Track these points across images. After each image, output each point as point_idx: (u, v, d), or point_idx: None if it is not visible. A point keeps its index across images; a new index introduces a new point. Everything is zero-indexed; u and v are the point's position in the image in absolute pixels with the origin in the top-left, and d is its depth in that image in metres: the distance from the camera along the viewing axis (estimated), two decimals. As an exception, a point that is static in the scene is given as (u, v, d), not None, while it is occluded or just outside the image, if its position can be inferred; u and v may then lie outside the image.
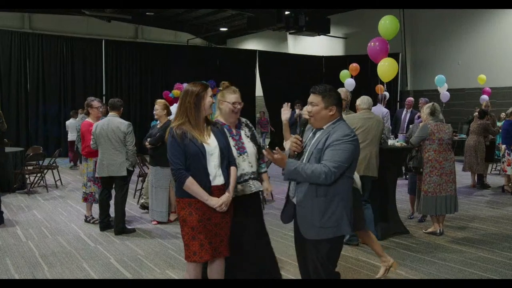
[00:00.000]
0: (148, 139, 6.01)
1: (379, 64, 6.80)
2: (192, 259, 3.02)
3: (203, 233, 2.99)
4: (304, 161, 2.82)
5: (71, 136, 11.27)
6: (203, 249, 3.00)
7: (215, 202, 2.97)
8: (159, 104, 6.03)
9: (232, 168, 3.15)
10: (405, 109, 10.08)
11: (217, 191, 3.03)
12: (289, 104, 3.73)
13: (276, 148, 2.72)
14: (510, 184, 8.48)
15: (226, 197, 3.03)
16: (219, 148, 3.04)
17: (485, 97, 11.49)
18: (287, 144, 3.11)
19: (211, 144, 3.03)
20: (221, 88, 3.44)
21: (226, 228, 3.11)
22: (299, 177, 2.71)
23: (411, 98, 10.36)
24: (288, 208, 3.02)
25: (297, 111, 10.80)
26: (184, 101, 3.05)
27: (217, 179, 3.04)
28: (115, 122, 5.62)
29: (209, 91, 3.10)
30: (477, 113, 9.07)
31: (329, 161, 2.66)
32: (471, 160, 8.74)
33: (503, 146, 8.62)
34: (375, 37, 6.89)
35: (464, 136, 13.20)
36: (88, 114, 6.28)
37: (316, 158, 2.75)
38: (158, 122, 6.16)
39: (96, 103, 6.14)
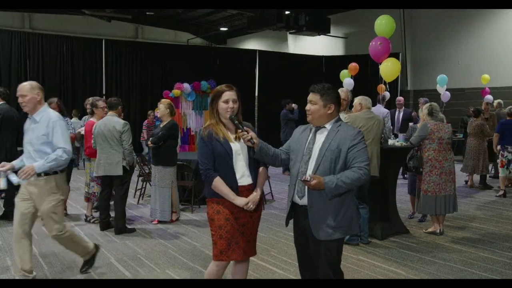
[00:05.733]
0: (150, 138, 6.03)
1: (382, 64, 6.71)
2: (219, 258, 3.00)
3: (230, 232, 2.98)
4: (314, 162, 2.81)
5: None
6: (230, 248, 2.98)
7: (241, 201, 2.95)
8: (163, 103, 6.04)
9: (262, 168, 3.12)
10: (397, 109, 9.96)
11: (245, 192, 3.00)
12: None
13: (310, 175, 2.71)
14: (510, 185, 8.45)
15: (254, 196, 3.00)
16: (246, 148, 3.01)
17: (490, 97, 11.42)
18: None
19: (238, 143, 3.01)
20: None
21: (252, 228, 3.08)
22: (342, 190, 2.74)
23: (401, 98, 10.28)
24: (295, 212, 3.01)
25: (295, 106, 10.66)
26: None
27: (245, 179, 3.01)
28: (112, 121, 5.65)
29: (226, 95, 2.98)
30: (471, 112, 8.99)
31: (360, 161, 2.75)
32: (475, 163, 8.65)
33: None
34: (376, 37, 6.78)
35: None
36: (92, 114, 6.27)
37: (332, 160, 2.77)
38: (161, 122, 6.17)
39: (101, 103, 6.16)
